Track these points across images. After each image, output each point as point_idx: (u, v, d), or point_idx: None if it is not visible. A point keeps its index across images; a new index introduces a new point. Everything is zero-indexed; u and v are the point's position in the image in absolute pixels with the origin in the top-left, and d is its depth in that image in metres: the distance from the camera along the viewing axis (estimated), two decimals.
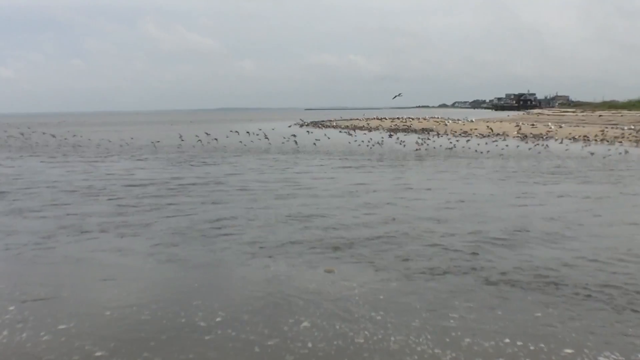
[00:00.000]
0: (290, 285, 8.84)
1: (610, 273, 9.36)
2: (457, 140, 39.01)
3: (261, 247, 11.03)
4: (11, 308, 7.92)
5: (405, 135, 46.85)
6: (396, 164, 27.08)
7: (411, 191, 18.29)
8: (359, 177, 21.99)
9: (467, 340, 6.83)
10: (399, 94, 40.30)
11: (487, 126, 53.87)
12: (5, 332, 7.14)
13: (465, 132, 51.14)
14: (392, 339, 6.87)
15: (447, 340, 6.84)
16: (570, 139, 41.89)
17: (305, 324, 7.33)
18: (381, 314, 7.61)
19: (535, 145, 36.78)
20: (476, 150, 32.98)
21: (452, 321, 7.39)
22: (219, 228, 12.73)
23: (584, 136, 43.58)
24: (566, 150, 33.58)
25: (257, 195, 17.30)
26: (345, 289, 8.66)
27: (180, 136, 41.98)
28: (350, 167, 25.87)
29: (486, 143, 36.86)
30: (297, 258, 10.34)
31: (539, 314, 7.66)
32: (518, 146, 36.61)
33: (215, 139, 39.54)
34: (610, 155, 30.57)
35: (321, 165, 26.71)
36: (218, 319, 7.52)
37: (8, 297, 8.37)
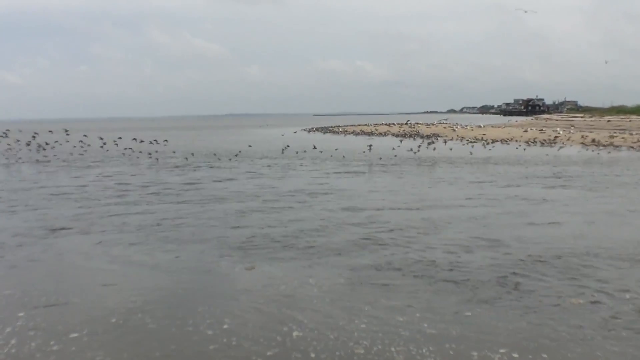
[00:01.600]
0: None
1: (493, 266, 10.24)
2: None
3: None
4: (21, 314, 7.97)
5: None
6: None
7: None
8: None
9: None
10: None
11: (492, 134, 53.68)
12: (13, 341, 7.18)
13: (474, 138, 51.16)
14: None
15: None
16: (579, 144, 41.85)
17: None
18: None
19: (544, 148, 36.78)
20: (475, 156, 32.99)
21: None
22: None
23: (592, 140, 43.53)
24: (564, 154, 33.57)
25: None
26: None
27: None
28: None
29: (489, 149, 36.91)
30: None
31: (469, 314, 7.97)
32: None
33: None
34: (612, 160, 30.61)
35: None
36: (225, 326, 7.55)
37: (18, 303, 8.41)
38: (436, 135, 56.32)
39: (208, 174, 25.53)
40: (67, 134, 41.33)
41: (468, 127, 68.15)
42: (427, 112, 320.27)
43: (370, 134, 64.85)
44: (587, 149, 38.42)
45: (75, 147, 38.94)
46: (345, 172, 25.94)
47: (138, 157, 34.02)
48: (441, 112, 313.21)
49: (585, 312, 8.00)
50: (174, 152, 37.17)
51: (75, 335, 7.31)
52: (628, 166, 28.08)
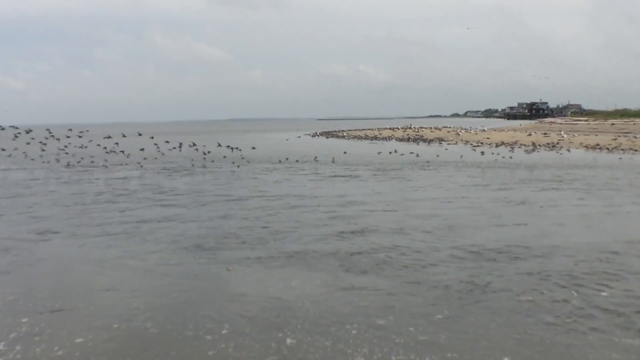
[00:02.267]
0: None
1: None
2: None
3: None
4: (24, 320, 8.03)
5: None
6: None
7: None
8: None
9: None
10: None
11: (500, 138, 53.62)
12: (18, 347, 7.24)
13: (478, 142, 51.11)
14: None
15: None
16: (582, 147, 41.82)
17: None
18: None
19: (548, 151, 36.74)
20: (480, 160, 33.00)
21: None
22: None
23: (596, 144, 43.50)
24: (566, 157, 33.62)
25: None
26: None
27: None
28: None
29: (493, 152, 36.82)
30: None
31: (440, 316, 8.20)
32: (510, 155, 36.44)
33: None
34: (613, 163, 30.85)
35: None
36: (224, 332, 7.64)
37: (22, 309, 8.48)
38: (440, 139, 56.35)
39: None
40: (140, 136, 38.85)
41: (472, 131, 68.03)
42: (431, 116, 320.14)
43: (374, 138, 64.94)
44: (590, 153, 38.42)
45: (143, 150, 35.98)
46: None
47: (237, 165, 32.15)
48: (445, 116, 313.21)
49: (547, 311, 8.32)
50: (242, 158, 34.53)
51: (80, 340, 7.39)
52: (628, 169, 28.08)
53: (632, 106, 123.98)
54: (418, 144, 52.34)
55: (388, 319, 8.04)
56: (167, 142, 38.01)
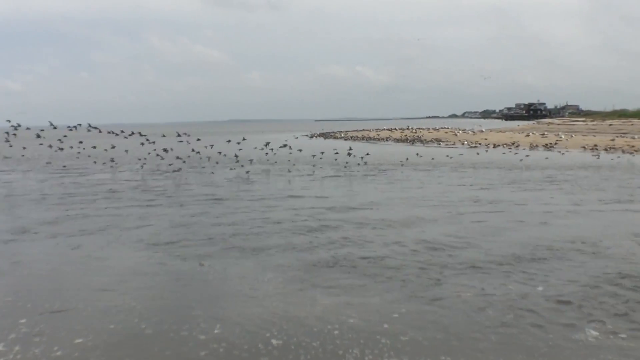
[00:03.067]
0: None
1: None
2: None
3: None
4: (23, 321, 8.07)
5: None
6: None
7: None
8: None
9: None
10: None
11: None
12: (17, 347, 7.29)
13: (476, 143, 51.16)
14: None
15: None
16: (580, 148, 41.88)
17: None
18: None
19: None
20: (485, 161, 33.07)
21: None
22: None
23: (594, 145, 43.55)
24: (563, 158, 33.71)
25: None
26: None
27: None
28: None
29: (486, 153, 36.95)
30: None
31: (396, 316, 8.33)
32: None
33: None
34: (609, 164, 31.01)
35: None
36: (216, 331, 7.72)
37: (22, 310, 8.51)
38: (438, 140, 56.37)
39: None
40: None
41: (470, 132, 68.10)
42: (429, 117, 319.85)
43: (370, 139, 64.99)
44: (587, 153, 38.47)
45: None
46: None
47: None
48: (443, 117, 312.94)
49: (491, 306, 8.59)
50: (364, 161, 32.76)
51: (79, 340, 7.45)
52: (624, 170, 28.21)
53: (630, 107, 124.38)
54: (414, 144, 52.33)
55: (362, 317, 8.15)
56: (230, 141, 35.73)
